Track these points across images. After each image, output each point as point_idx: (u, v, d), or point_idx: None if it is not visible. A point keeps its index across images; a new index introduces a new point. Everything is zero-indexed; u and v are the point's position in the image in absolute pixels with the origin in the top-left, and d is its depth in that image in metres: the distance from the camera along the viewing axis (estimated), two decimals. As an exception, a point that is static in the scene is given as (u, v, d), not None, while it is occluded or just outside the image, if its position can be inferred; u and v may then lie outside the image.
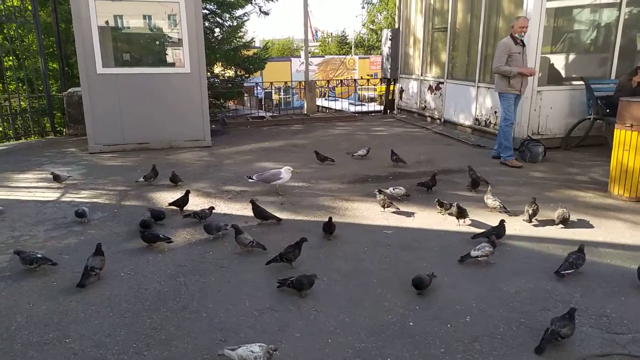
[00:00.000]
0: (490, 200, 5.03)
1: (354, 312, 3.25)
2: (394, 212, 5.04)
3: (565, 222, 4.61)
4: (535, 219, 4.77)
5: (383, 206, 5.05)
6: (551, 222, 4.72)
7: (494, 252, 3.88)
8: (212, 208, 4.98)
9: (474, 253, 3.87)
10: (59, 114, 10.75)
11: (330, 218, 4.45)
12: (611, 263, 3.83)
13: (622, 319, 3.12)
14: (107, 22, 7.96)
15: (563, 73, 8.50)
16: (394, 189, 5.40)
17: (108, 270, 3.75)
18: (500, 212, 4.93)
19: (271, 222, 4.77)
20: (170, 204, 5.18)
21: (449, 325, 3.09)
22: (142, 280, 3.68)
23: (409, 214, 5.05)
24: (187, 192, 5.22)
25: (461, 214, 4.67)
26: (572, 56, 8.79)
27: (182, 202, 5.14)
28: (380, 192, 5.15)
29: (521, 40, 6.88)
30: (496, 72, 7.01)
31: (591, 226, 4.67)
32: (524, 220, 4.77)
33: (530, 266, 3.87)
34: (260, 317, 3.20)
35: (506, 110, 7.06)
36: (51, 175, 6.13)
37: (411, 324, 3.11)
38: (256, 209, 4.74)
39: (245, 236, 4.11)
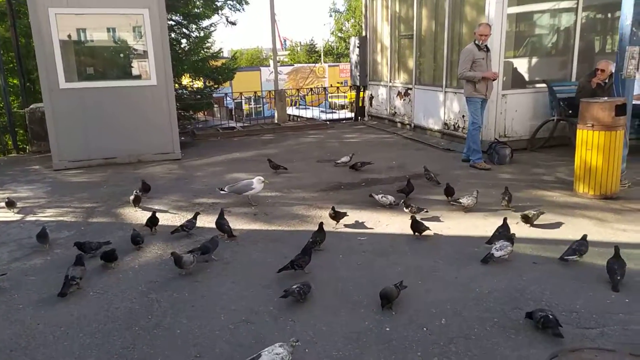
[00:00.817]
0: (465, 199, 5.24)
1: (331, 321, 3.24)
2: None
3: (529, 221, 4.73)
4: (512, 206, 5.12)
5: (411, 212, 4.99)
6: (516, 219, 4.83)
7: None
8: (198, 214, 4.93)
9: (497, 254, 3.92)
10: (21, 131, 10.45)
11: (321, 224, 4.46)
12: (579, 259, 3.93)
13: (590, 314, 3.20)
14: (69, 36, 7.78)
15: (526, 76, 8.75)
16: (382, 197, 5.40)
17: (77, 291, 3.63)
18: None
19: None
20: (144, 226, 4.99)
21: (424, 328, 3.11)
22: (113, 298, 3.58)
23: (382, 220, 5.07)
24: (154, 213, 5.01)
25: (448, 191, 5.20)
26: (534, 60, 9.06)
27: (152, 222, 4.91)
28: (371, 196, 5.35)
29: (485, 45, 7.05)
30: (461, 78, 7.18)
31: (559, 224, 4.79)
32: (502, 205, 5.18)
33: (501, 266, 3.93)
34: (235, 331, 3.15)
35: (473, 114, 7.21)
36: (5, 202, 5.60)
37: (387, 329, 3.11)
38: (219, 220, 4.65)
39: (187, 258, 3.91)
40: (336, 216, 4.87)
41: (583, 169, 5.62)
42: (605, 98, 5.82)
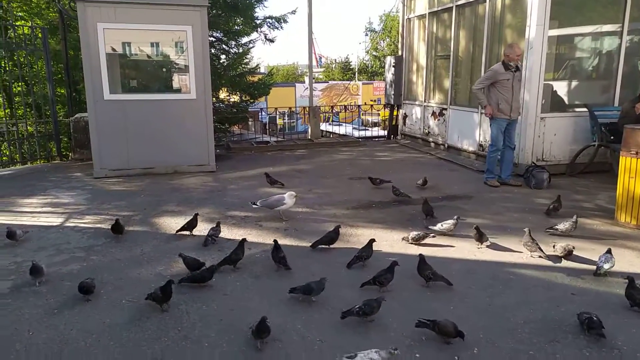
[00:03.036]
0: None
1: (359, 342, 3.18)
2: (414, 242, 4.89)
3: (569, 254, 4.48)
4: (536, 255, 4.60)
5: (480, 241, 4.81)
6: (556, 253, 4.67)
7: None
8: (219, 223, 5.07)
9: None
10: (65, 139, 10.85)
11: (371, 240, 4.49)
12: (621, 293, 3.75)
13: (634, 352, 3.05)
14: (113, 49, 8.08)
15: (566, 100, 8.54)
16: (442, 225, 5.14)
17: (109, 297, 3.71)
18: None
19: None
20: (178, 231, 5.17)
21: (456, 357, 3.02)
22: (144, 308, 3.63)
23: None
24: (196, 215, 5.23)
25: (481, 237, 4.72)
26: (574, 83, 8.84)
27: (190, 226, 5.13)
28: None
29: (515, 66, 6.95)
30: (474, 91, 7.29)
31: (598, 255, 4.59)
32: (530, 256, 4.58)
33: (537, 296, 3.80)
34: (262, 347, 3.14)
35: (494, 136, 7.22)
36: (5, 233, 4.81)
37: (417, 355, 3.04)
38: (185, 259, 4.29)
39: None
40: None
41: (625, 198, 5.42)
42: (651, 125, 5.61)
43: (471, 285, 4.01)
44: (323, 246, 4.78)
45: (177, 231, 5.17)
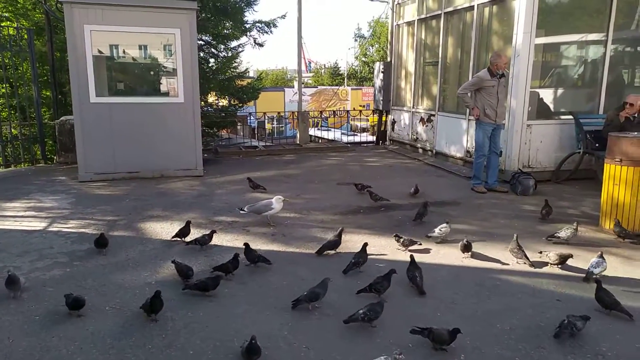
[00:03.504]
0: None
1: (346, 349, 3.17)
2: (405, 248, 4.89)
3: (563, 262, 4.48)
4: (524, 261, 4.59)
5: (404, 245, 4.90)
6: (541, 259, 4.71)
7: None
8: (214, 232, 4.95)
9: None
10: (50, 142, 10.70)
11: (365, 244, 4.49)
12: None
13: (618, 357, 3.07)
14: (100, 52, 8.00)
15: (552, 107, 8.64)
16: (440, 230, 5.11)
17: (93, 303, 3.65)
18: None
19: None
20: (172, 238, 5.09)
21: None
22: (129, 314, 3.57)
23: (401, 247, 5.00)
24: (188, 223, 5.15)
25: (467, 248, 4.66)
26: (560, 91, 8.95)
27: (183, 233, 5.04)
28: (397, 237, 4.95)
29: (500, 73, 7.04)
30: (459, 94, 7.41)
31: (585, 261, 4.64)
32: (517, 263, 4.60)
33: (523, 302, 3.82)
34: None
35: (479, 142, 7.32)
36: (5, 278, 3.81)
37: (404, 362, 3.03)
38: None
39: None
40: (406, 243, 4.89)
41: (610, 205, 5.48)
42: (635, 133, 5.69)
43: (458, 291, 4.02)
44: (311, 252, 4.77)
45: (172, 238, 5.08)
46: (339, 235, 4.84)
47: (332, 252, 4.80)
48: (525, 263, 4.51)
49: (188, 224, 5.14)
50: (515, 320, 3.54)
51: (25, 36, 9.41)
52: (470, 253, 4.70)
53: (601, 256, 4.25)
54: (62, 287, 3.98)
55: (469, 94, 7.25)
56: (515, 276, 4.32)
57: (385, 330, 3.39)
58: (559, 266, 4.44)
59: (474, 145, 8.77)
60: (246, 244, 4.53)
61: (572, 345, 3.21)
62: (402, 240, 4.88)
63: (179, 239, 5.05)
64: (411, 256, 4.24)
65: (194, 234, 5.15)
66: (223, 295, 3.91)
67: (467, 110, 8.98)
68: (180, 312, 3.63)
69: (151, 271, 4.35)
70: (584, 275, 4.23)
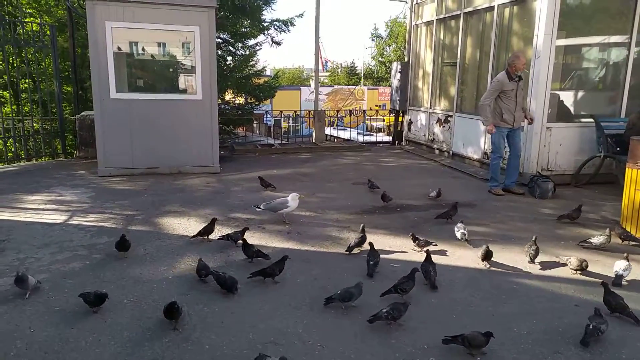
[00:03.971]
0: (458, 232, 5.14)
1: (360, 348, 3.17)
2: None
3: (583, 269, 4.39)
4: (537, 262, 4.60)
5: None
6: (560, 263, 4.64)
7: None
8: (247, 229, 4.97)
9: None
10: (70, 137, 10.88)
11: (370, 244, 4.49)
12: (628, 305, 3.72)
13: (637, 366, 3.02)
14: (119, 48, 8.10)
15: (572, 110, 8.51)
16: (465, 229, 5.13)
17: (111, 297, 3.69)
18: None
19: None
20: (194, 236, 5.04)
21: (455, 366, 3.00)
22: (146, 308, 3.62)
23: (417, 248, 4.98)
24: (213, 220, 5.12)
25: (487, 255, 4.50)
26: (581, 93, 8.82)
27: (206, 231, 5.01)
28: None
29: (518, 76, 6.94)
30: (480, 105, 7.23)
31: (604, 265, 4.57)
32: (527, 262, 4.61)
33: (540, 306, 3.77)
34: (263, 351, 3.11)
35: (495, 143, 7.24)
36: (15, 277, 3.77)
37: (420, 363, 3.02)
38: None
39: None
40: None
41: (631, 210, 5.39)
42: (658, 137, 5.58)
43: (474, 293, 3.99)
44: (325, 251, 4.78)
45: (193, 237, 5.04)
46: (363, 231, 4.90)
47: (359, 249, 4.83)
48: (528, 259, 4.55)
49: (213, 221, 5.10)
50: (533, 325, 3.49)
51: (48, 32, 9.59)
52: (489, 263, 4.55)
53: (627, 259, 4.20)
54: (82, 280, 4.06)
55: (491, 105, 7.07)
56: (533, 280, 4.27)
57: (400, 331, 3.38)
58: (579, 272, 4.37)
59: (491, 147, 8.70)
60: (244, 240, 4.63)
61: (591, 351, 3.16)
62: (418, 240, 4.86)
63: (202, 237, 5.00)
64: (427, 252, 4.28)
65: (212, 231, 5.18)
66: (239, 292, 3.92)
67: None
68: (197, 307, 3.67)
69: (168, 266, 4.40)
70: (612, 279, 4.15)
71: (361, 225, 5.01)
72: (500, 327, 3.46)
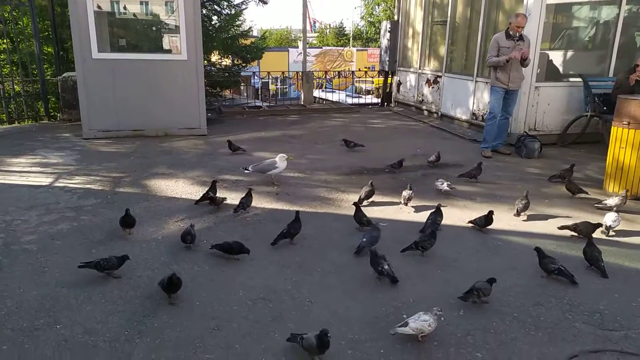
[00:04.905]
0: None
1: (348, 304, 3.24)
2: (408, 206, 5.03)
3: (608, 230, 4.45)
4: (525, 214, 4.80)
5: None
6: (544, 218, 4.74)
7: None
8: (251, 189, 4.95)
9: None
10: (53, 99, 10.62)
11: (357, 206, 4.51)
12: (606, 260, 3.83)
13: (615, 316, 3.13)
14: (99, 7, 7.82)
15: (561, 69, 8.49)
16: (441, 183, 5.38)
17: (100, 256, 3.70)
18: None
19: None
20: (198, 201, 4.94)
21: (442, 319, 3.07)
22: (135, 267, 3.65)
23: (404, 208, 5.03)
24: (214, 182, 5.07)
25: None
26: (570, 53, 8.77)
27: (210, 195, 4.91)
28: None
29: (519, 35, 6.84)
30: (489, 65, 7.10)
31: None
32: (513, 215, 4.79)
33: (524, 262, 3.87)
34: (253, 307, 3.18)
35: (492, 105, 7.20)
36: None
37: (405, 316, 3.09)
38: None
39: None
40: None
41: (614, 167, 5.47)
42: (645, 96, 5.61)
43: (460, 250, 4.07)
44: (314, 211, 4.81)
45: (197, 202, 4.93)
46: (372, 185, 5.08)
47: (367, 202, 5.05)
48: (516, 213, 4.74)
49: (214, 183, 5.03)
50: (515, 279, 3.59)
51: (25, -11, 9.19)
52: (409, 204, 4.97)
53: (617, 212, 4.46)
54: (70, 241, 4.06)
55: (497, 56, 6.89)
56: (517, 237, 4.36)
57: (388, 286, 3.45)
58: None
59: (480, 108, 8.70)
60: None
61: (570, 303, 3.27)
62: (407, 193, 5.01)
63: (207, 201, 4.90)
64: (438, 205, 4.53)
65: (200, 192, 5.18)
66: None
67: (475, 71, 8.86)
68: (186, 266, 3.70)
69: (157, 227, 4.41)
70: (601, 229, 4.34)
71: (370, 181, 5.13)
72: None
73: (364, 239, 3.89)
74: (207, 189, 5.08)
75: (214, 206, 4.88)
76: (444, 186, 5.31)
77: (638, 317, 3.13)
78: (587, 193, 5.36)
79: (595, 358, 2.75)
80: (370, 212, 4.78)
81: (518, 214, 4.78)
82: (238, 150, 7.11)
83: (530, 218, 4.77)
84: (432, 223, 4.30)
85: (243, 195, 4.84)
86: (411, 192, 5.01)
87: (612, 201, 4.98)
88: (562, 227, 4.35)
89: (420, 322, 2.77)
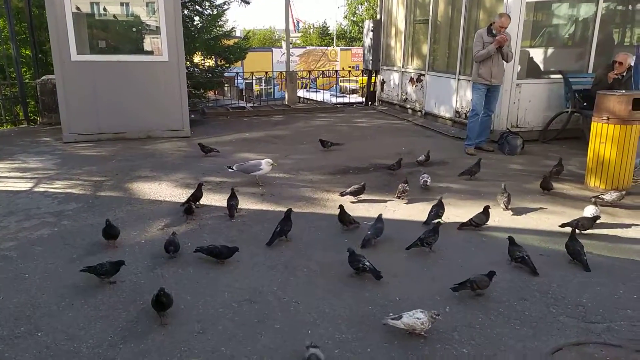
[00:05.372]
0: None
1: (334, 304, 3.24)
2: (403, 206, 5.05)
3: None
4: (510, 207, 4.86)
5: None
6: (527, 213, 4.80)
7: None
8: (233, 190, 4.94)
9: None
10: (32, 102, 10.45)
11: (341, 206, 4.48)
12: (588, 253, 3.87)
13: (597, 308, 3.17)
14: (77, 8, 7.69)
15: (542, 66, 8.59)
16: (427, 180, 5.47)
17: (83, 262, 3.65)
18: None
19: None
20: (184, 204, 4.78)
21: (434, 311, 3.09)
22: (120, 272, 3.58)
23: (389, 206, 5.05)
24: (200, 186, 4.95)
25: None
26: (550, 50, 8.88)
27: (195, 198, 4.83)
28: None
29: (501, 34, 6.90)
30: (479, 60, 7.03)
31: (569, 217, 4.71)
32: (502, 210, 4.85)
33: (508, 257, 3.89)
34: (239, 309, 3.16)
35: (474, 102, 7.26)
36: None
37: (391, 314, 3.10)
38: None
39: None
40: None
41: (595, 162, 5.55)
42: (623, 91, 5.71)
43: (445, 247, 4.08)
44: (299, 211, 4.80)
45: (183, 204, 4.78)
46: (362, 185, 5.16)
47: (356, 199, 5.17)
48: (502, 206, 4.83)
49: (200, 187, 4.93)
50: (499, 274, 3.60)
51: (0, -9, 9.03)
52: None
53: (596, 204, 4.68)
54: (51, 247, 3.98)
55: (483, 48, 6.92)
56: (500, 232, 4.38)
57: (373, 284, 3.45)
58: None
59: (463, 105, 8.77)
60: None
61: (554, 297, 3.31)
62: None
63: (192, 204, 4.74)
64: (440, 198, 4.69)
65: (184, 194, 5.13)
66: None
67: (457, 70, 8.92)
68: (171, 269, 3.66)
69: (140, 230, 4.35)
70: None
71: (361, 183, 5.19)
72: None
73: (369, 232, 3.99)
74: (192, 191, 5.03)
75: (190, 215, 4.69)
76: (421, 181, 5.44)
77: (620, 309, 3.17)
78: (553, 188, 5.47)
79: (579, 351, 2.78)
80: (355, 210, 4.79)
81: (506, 208, 4.84)
82: (211, 151, 6.98)
83: (515, 213, 4.82)
84: (435, 215, 4.43)
85: (227, 196, 4.80)
86: (406, 185, 5.14)
87: (609, 196, 5.04)
88: (563, 225, 4.34)
89: (414, 319, 2.78)
